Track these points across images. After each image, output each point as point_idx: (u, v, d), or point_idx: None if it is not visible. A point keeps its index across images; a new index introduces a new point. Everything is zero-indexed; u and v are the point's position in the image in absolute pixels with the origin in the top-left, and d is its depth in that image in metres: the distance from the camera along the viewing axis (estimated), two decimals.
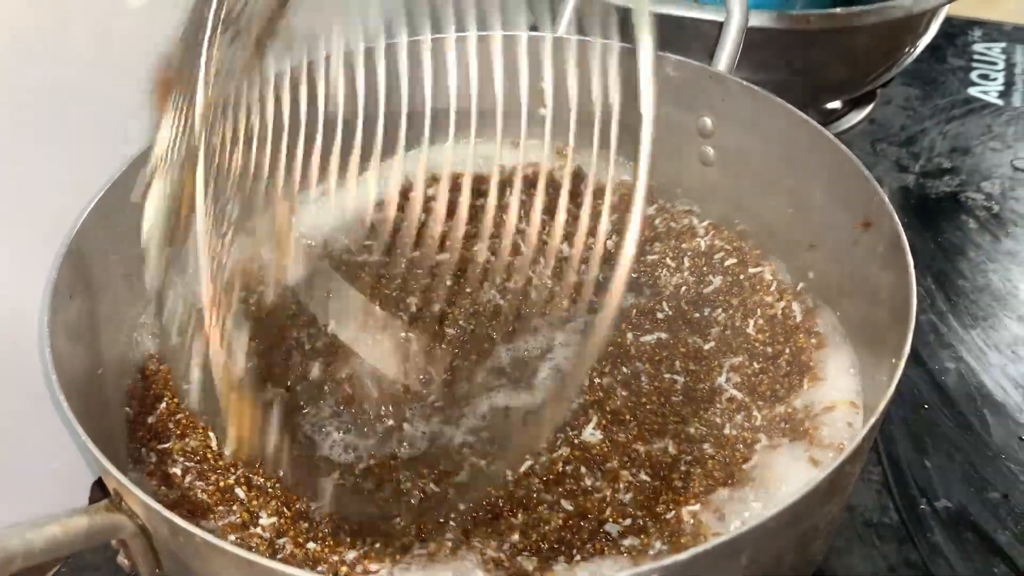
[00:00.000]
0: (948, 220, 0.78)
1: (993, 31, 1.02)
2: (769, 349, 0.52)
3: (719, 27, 0.59)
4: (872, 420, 0.37)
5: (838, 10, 0.71)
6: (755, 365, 0.51)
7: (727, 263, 0.57)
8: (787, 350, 0.52)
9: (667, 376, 0.51)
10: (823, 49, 0.73)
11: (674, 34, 0.68)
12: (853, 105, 0.90)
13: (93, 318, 0.47)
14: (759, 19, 0.67)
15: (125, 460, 0.47)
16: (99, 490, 0.55)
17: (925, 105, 0.92)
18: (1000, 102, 0.92)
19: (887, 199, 0.46)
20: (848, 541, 0.54)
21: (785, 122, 0.53)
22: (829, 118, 0.89)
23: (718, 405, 0.49)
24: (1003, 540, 0.54)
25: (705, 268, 0.57)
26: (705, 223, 0.60)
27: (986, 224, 0.78)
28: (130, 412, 0.50)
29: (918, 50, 0.80)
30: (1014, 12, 1.04)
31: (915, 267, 0.72)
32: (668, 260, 0.58)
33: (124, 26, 0.54)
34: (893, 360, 0.40)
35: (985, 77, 0.96)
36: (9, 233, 0.50)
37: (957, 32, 1.01)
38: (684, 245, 0.59)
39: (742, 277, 0.56)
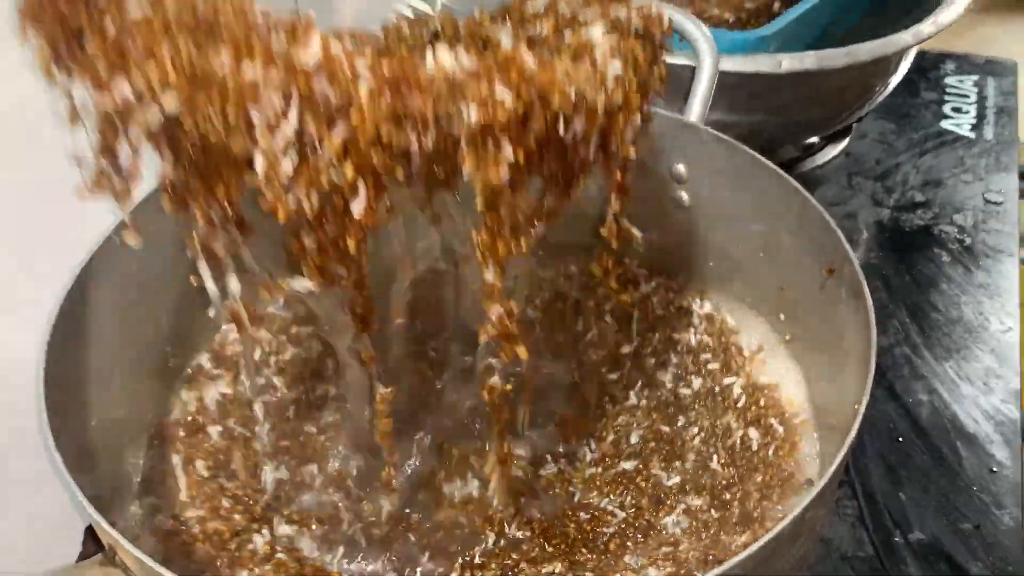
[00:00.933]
0: (921, 253, 0.80)
1: (965, 64, 1.05)
2: (727, 495, 0.50)
3: (692, 71, 0.61)
4: (833, 466, 0.39)
5: (810, 53, 0.73)
6: (712, 513, 0.50)
7: (710, 366, 0.58)
8: (738, 494, 0.50)
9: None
10: (796, 90, 0.74)
11: None
12: (830, 139, 0.92)
13: (88, 371, 0.48)
14: (731, 64, 0.69)
15: (119, 511, 0.48)
16: (92, 538, 0.56)
17: (899, 139, 0.94)
18: (972, 135, 0.94)
19: (849, 248, 0.47)
20: (823, 574, 0.56)
21: (753, 169, 0.54)
22: (806, 153, 0.91)
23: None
24: (975, 571, 0.56)
25: (691, 365, 0.58)
26: (705, 309, 0.61)
27: (959, 257, 0.80)
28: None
29: (890, 87, 0.82)
30: (981, 43, 1.06)
31: (889, 300, 0.75)
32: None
33: None
34: (855, 405, 0.41)
35: (958, 110, 0.98)
36: (6, 284, 0.51)
37: (929, 66, 1.03)
38: (676, 336, 0.59)
39: (717, 389, 0.56)
